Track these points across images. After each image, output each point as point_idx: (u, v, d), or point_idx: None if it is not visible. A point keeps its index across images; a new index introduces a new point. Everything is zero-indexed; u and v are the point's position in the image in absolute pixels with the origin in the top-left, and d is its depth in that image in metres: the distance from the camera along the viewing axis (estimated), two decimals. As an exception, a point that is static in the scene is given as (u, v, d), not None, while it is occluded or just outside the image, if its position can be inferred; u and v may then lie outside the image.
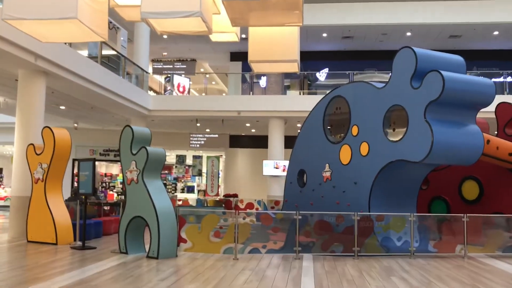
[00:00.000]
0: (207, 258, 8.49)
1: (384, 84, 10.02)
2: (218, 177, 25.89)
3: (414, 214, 9.31)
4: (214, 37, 8.91)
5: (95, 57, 15.53)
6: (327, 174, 11.36)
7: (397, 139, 9.37)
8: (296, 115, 18.66)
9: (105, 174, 29.41)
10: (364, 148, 10.22)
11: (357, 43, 23.84)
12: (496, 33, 21.71)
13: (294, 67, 8.69)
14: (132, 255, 8.79)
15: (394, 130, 9.78)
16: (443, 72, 8.46)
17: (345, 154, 10.81)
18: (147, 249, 8.80)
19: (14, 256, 9.01)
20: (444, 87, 8.37)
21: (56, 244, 10.02)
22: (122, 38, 18.89)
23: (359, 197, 10.17)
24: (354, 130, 10.59)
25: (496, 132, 11.42)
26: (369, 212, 9.65)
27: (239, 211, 8.73)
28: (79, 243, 10.01)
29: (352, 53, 24.52)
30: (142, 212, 8.73)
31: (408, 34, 22.28)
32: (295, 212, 8.88)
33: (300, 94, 19.81)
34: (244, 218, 9.07)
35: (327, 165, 11.37)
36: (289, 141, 20.26)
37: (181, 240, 8.83)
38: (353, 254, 8.87)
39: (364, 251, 9.00)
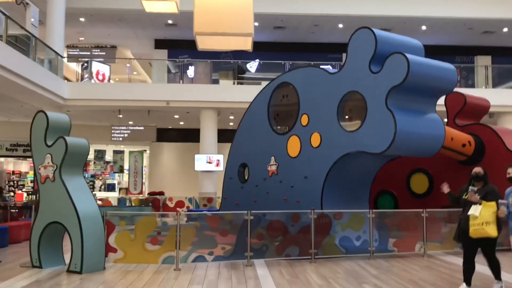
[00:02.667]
0: (142, 270, 7.10)
1: (337, 69, 9.17)
2: (142, 173, 24.04)
3: (374, 210, 8.54)
4: (148, 6, 7.48)
5: (-1, 35, 13.31)
6: (272, 168, 10.35)
7: (354, 128, 8.55)
8: (229, 106, 17.48)
9: (13, 171, 26.36)
10: (315, 139, 9.31)
11: (289, 34, 23.12)
12: (424, 27, 21.97)
13: (248, 43, 7.52)
14: (48, 269, 7.18)
15: (350, 119, 8.96)
16: (407, 55, 7.72)
17: (293, 146, 9.86)
18: (67, 261, 7.24)
19: None
20: (409, 71, 7.63)
21: None
22: (32, 19, 16.62)
23: (310, 192, 9.26)
24: (304, 120, 9.65)
25: (446, 122, 11.02)
26: (322, 208, 8.77)
27: (179, 212, 7.40)
28: (-22, 256, 8.17)
29: (284, 44, 23.79)
30: (60, 217, 7.14)
31: (340, 26, 21.91)
32: (246, 212, 7.73)
33: (234, 84, 18.62)
34: (186, 221, 7.75)
35: (272, 158, 10.36)
36: (222, 135, 19.06)
37: (109, 250, 7.35)
38: (309, 257, 7.91)
39: (322, 253, 8.08)
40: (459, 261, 7.94)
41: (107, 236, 7.34)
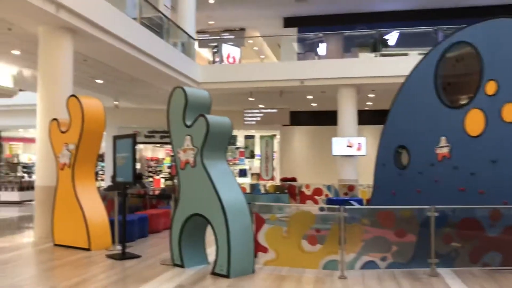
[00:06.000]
0: (300, 277, 5.77)
1: (542, 18, 6.92)
2: (273, 159, 23.15)
3: None
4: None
5: (134, 18, 12.97)
6: (443, 150, 8.38)
7: None
8: (370, 82, 15.53)
9: (151, 158, 27.27)
10: (509, 112, 7.18)
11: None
12: None
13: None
14: (190, 269, 6.19)
15: None
16: None
17: (474, 122, 7.79)
18: (210, 260, 6.20)
19: (33, 270, 6.61)
20: None
21: (89, 249, 7.57)
22: (165, 1, 16.33)
23: (500, 181, 7.17)
24: (490, 88, 7.53)
25: None
26: (520, 202, 6.66)
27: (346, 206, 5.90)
28: (118, 247, 7.55)
29: (428, 12, 20.92)
30: (202, 208, 6.10)
31: (499, -16, 18.57)
32: (429, 207, 5.98)
33: (375, 56, 16.54)
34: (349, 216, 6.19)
35: (443, 138, 8.39)
36: (359, 116, 17.07)
37: (259, 249, 6.15)
38: (515, 267, 5.95)
39: (532, 263, 6.05)
40: None
41: (256, 232, 6.15)
